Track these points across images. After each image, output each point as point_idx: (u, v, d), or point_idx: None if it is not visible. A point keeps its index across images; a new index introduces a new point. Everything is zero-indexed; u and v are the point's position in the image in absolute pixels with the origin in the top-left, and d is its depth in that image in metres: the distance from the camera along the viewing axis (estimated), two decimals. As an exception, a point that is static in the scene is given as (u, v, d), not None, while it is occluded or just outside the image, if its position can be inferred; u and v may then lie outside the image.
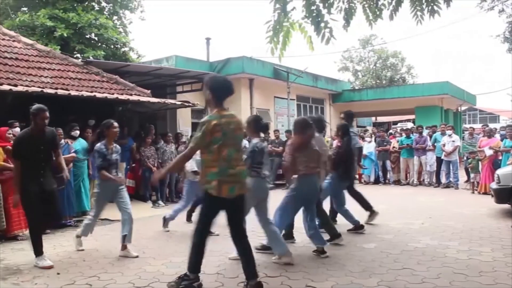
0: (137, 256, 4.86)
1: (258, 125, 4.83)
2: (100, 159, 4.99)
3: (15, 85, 7.36)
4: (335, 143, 6.87)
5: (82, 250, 5.13)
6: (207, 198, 3.65)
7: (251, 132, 4.87)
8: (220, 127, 3.57)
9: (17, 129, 6.38)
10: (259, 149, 4.63)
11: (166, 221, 6.35)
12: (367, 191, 7.42)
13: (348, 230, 5.98)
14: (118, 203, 5.11)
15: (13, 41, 9.40)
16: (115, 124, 5.16)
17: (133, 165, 9.32)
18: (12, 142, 5.27)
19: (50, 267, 4.44)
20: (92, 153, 5.34)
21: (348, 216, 6.05)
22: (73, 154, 7.07)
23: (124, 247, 4.95)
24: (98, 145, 5.05)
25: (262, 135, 4.93)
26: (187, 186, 6.44)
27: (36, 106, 4.60)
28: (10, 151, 5.00)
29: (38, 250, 4.56)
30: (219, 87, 3.76)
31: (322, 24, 4.27)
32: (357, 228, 6.00)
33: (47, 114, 4.61)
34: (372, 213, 6.55)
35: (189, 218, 6.76)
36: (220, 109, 3.72)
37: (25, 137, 4.59)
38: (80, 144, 7.54)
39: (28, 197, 4.52)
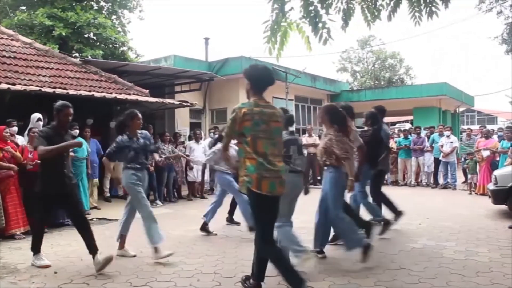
0: (134, 256, 4.86)
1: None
2: (113, 149, 4.78)
3: (13, 84, 7.37)
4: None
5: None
6: (251, 195, 3.32)
7: None
8: (250, 116, 3.30)
9: (15, 128, 6.38)
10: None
11: (206, 226, 6.00)
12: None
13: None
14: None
15: (12, 40, 9.40)
16: (139, 115, 4.88)
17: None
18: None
19: (47, 266, 4.43)
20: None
21: (370, 209, 5.86)
22: (71, 154, 7.06)
23: (121, 246, 4.95)
24: (119, 137, 4.81)
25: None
26: (218, 178, 6.14)
27: (60, 102, 4.54)
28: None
29: (37, 248, 4.56)
30: (259, 77, 3.55)
31: (320, 25, 4.28)
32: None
33: (71, 110, 4.52)
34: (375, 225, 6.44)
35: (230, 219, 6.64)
36: (258, 98, 3.49)
37: (50, 133, 4.47)
38: (79, 143, 7.52)
39: (41, 196, 4.51)
